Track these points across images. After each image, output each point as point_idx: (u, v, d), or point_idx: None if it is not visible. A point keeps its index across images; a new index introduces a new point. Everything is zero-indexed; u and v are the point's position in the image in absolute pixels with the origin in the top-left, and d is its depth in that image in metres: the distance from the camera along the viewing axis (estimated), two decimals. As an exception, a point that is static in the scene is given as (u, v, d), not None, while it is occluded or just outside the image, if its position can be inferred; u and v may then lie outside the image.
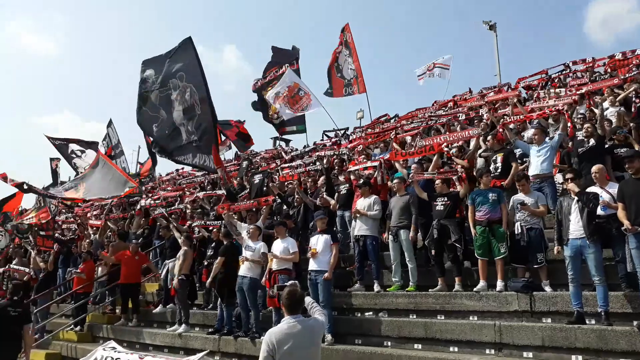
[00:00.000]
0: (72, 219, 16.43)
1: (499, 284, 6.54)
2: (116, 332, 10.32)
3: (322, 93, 19.06)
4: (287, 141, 20.95)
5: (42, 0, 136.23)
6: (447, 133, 9.97)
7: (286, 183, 10.62)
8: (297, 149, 17.49)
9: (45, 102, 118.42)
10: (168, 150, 12.00)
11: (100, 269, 11.86)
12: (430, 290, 7.21)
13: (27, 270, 12.69)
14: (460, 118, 11.16)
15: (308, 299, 4.73)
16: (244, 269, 8.06)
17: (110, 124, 20.90)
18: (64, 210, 17.80)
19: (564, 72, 13.91)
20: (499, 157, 8.07)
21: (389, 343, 6.89)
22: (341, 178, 9.97)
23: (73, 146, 20.17)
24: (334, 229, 8.81)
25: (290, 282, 5.10)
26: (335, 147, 13.97)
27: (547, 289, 6.29)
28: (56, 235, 14.15)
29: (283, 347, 4.05)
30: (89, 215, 16.53)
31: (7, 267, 12.89)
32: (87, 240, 12.90)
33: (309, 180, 10.64)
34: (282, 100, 16.87)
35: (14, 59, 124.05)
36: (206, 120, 10.94)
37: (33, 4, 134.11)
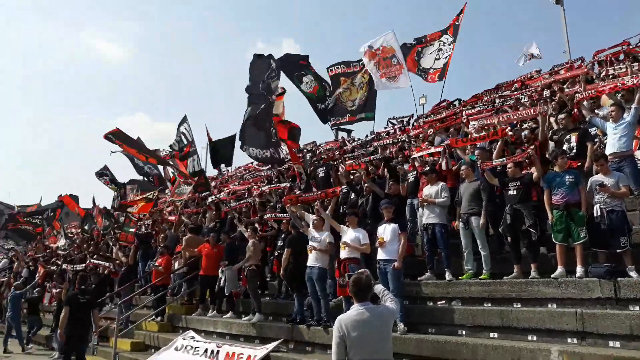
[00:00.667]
0: (147, 215, 17.24)
1: (579, 269, 6.25)
2: (194, 322, 10.75)
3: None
4: (349, 131, 20.89)
5: (115, 9, 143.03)
6: (512, 112, 9.59)
7: (351, 172, 10.58)
8: (359, 139, 17.40)
9: (118, 105, 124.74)
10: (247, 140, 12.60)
11: (177, 262, 12.37)
12: (505, 277, 7.01)
13: (107, 264, 13.46)
14: (523, 100, 10.67)
15: (379, 287, 4.75)
16: (312, 259, 8.17)
17: (184, 120, 21.40)
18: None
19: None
20: (574, 137, 7.67)
21: (463, 332, 6.77)
22: (406, 166, 9.84)
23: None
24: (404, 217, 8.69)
25: (361, 270, 5.10)
26: (399, 133, 13.82)
27: (633, 274, 5.92)
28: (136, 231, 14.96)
29: (352, 334, 4.10)
30: (164, 211, 17.25)
31: (88, 262, 13.72)
32: (162, 235, 13.52)
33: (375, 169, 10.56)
34: (373, 57, 16.74)
35: (90, 65, 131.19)
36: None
37: (107, 13, 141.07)
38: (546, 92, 10.14)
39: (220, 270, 10.43)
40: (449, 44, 17.66)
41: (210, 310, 10.89)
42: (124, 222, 16.04)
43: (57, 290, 13.74)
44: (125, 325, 11.92)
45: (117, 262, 13.93)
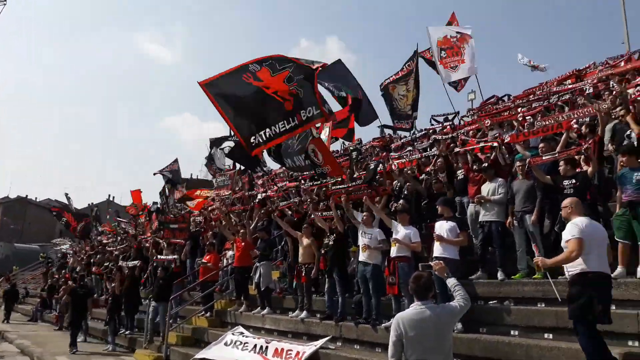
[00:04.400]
0: (197, 213, 17.63)
1: (640, 270, 5.99)
2: (242, 318, 10.90)
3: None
4: (395, 129, 20.65)
5: (165, 12, 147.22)
6: (571, 110, 9.27)
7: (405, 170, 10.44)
8: (406, 136, 17.23)
9: (167, 106, 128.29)
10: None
11: (225, 259, 12.59)
12: (560, 277, 6.78)
13: (174, 257, 13.83)
14: (587, 91, 10.26)
15: (452, 281, 4.60)
16: (364, 257, 8.13)
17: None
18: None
19: None
20: (634, 132, 7.34)
21: (516, 332, 6.59)
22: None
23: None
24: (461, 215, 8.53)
25: (434, 262, 4.98)
26: (449, 130, 13.60)
27: (700, 275, 5.66)
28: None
29: (410, 333, 4.05)
30: (209, 209, 17.59)
31: (156, 257, 14.16)
32: (211, 232, 13.78)
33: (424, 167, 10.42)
34: (445, 44, 16.74)
35: (140, 67, 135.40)
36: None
37: (156, 16, 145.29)
38: (612, 83, 9.71)
39: (255, 266, 10.64)
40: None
41: (243, 306, 11.09)
42: (166, 220, 16.33)
43: (113, 285, 14.24)
44: (174, 320, 12.24)
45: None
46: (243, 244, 11.16)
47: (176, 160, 25.62)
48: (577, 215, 5.16)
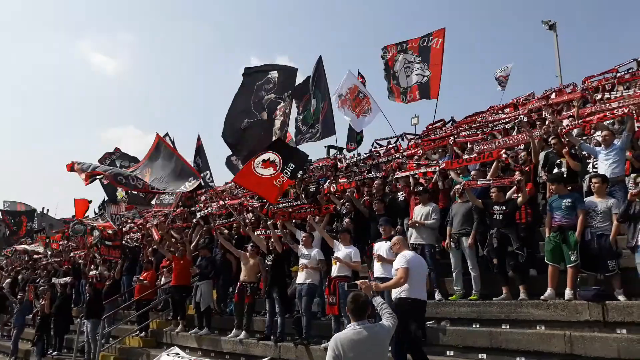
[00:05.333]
0: (135, 229, 17.03)
1: (568, 292, 6.26)
2: (179, 338, 10.56)
3: (380, 98, 18.79)
4: (341, 149, 20.90)
5: (110, 20, 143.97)
6: (506, 137, 9.65)
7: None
8: (353, 156, 17.39)
9: (111, 117, 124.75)
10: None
11: (163, 277, 12.21)
12: (494, 298, 6.99)
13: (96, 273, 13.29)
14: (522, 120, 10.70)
15: (379, 300, 4.60)
16: (302, 277, 8.13)
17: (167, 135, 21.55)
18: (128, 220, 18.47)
19: (633, 69, 13.10)
20: (564, 161, 7.75)
21: (452, 352, 6.72)
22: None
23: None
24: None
25: (360, 280, 4.98)
26: (392, 152, 13.87)
27: (621, 298, 5.97)
28: (122, 243, 14.73)
29: (349, 354, 4.01)
30: (148, 225, 17.03)
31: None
32: (150, 249, 13.33)
33: (366, 188, 10.54)
34: (345, 104, 16.82)
35: (83, 76, 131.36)
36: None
37: (102, 24, 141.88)
38: (545, 114, 10.20)
39: (195, 285, 10.41)
40: (418, 63, 17.78)
41: (179, 326, 10.79)
42: (103, 236, 15.74)
43: (42, 302, 13.51)
44: (106, 340, 11.71)
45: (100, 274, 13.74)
46: (182, 262, 10.86)
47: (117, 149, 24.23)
48: (405, 249, 6.24)
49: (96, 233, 16.91)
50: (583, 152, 8.13)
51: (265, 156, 9.57)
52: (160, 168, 10.83)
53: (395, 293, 6.08)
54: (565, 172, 7.63)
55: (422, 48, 17.67)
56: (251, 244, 9.75)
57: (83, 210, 25.57)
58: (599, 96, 10.67)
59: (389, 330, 4.32)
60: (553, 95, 13.09)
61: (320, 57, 16.70)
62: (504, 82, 20.52)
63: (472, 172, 8.31)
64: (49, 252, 20.67)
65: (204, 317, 10.27)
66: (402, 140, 16.72)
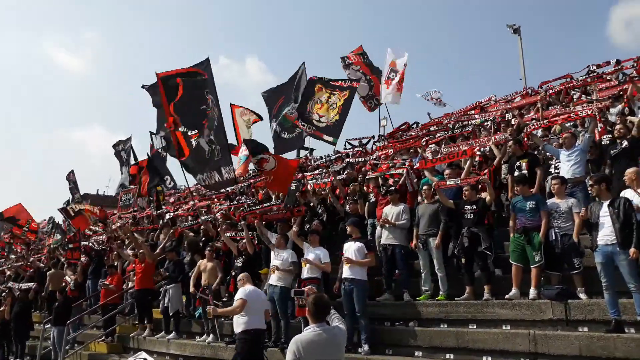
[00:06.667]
0: (101, 232, 16.64)
1: (532, 291, 6.40)
2: (146, 343, 10.37)
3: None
4: (311, 150, 20.89)
5: (73, 17, 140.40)
6: (474, 139, 9.83)
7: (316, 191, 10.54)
8: (321, 157, 17.38)
9: (75, 117, 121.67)
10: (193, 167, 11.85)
11: (131, 282, 11.96)
12: (456, 298, 7.11)
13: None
14: (487, 124, 10.98)
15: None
16: (274, 279, 8.07)
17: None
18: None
19: (589, 74, 13.57)
20: (524, 164, 7.89)
21: (420, 353, 6.79)
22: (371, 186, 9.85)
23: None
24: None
25: (307, 287, 5.00)
26: (364, 153, 13.95)
27: (583, 296, 6.15)
28: (87, 244, 14.36)
29: (310, 356, 4.00)
30: (113, 227, 16.67)
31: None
32: (115, 252, 13.05)
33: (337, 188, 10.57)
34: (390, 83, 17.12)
35: (47, 75, 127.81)
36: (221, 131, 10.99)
37: (65, 21, 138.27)
38: (509, 117, 10.45)
39: (163, 289, 10.29)
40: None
41: (146, 330, 10.61)
42: (67, 239, 15.28)
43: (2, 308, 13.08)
44: (71, 346, 11.43)
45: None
46: (143, 265, 10.65)
47: (71, 172, 22.30)
48: (247, 285, 7.04)
49: (58, 237, 16.43)
50: (547, 153, 8.34)
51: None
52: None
53: (237, 327, 6.79)
54: (526, 174, 7.78)
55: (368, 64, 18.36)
56: (208, 248, 9.71)
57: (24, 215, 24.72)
58: (576, 95, 11.03)
59: (345, 333, 4.36)
60: (518, 98, 13.43)
61: (303, 63, 16.87)
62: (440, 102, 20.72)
63: (446, 172, 8.34)
64: (12, 256, 19.99)
65: (174, 321, 10.13)
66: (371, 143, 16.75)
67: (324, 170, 13.54)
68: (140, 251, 10.89)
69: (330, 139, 17.29)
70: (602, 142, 8.15)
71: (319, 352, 4.04)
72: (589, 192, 6.46)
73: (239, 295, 6.85)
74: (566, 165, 7.48)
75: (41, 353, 11.81)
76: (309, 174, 13.71)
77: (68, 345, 11.08)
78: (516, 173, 7.81)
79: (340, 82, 16.52)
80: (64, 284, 12.80)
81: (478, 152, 8.99)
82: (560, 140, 8.14)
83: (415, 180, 9.13)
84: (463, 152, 8.53)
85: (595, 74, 13.24)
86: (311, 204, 10.27)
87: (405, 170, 9.09)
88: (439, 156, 9.12)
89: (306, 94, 16.92)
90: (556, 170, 7.80)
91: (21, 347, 12.64)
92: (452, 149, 9.11)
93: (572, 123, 9.11)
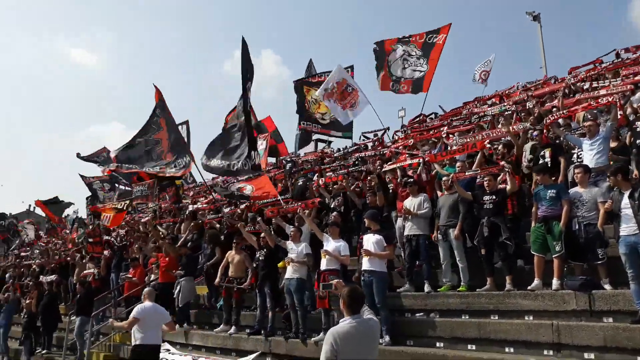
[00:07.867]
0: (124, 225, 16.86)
1: (555, 282, 6.32)
2: (169, 334, 10.48)
3: (369, 90, 18.46)
4: (329, 142, 20.86)
5: (89, 17, 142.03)
6: (492, 129, 9.70)
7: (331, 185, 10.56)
8: (339, 149, 17.38)
9: (93, 113, 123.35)
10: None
11: (153, 275, 12.11)
12: (477, 289, 7.06)
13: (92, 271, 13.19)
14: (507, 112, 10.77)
15: None
16: (290, 271, 8.13)
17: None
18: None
19: (615, 60, 13.19)
20: (547, 152, 7.79)
21: (441, 344, 6.77)
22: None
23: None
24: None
25: (335, 280, 5.00)
26: (379, 147, 13.87)
27: (607, 287, 6.05)
28: (109, 239, 14.58)
29: (347, 348, 4.00)
30: (136, 220, 16.88)
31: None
32: (137, 245, 13.23)
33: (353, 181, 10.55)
34: (332, 97, 16.75)
35: (64, 73, 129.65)
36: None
37: (80, 20, 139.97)
38: (529, 105, 10.25)
39: (177, 282, 10.44)
40: (418, 58, 17.53)
41: None
42: (87, 233, 15.49)
43: (29, 301, 13.39)
44: (96, 337, 11.64)
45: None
46: (167, 259, 10.80)
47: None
48: (147, 301, 7.53)
49: (81, 230, 16.73)
50: (569, 143, 8.19)
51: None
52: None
53: (133, 341, 7.34)
54: (549, 163, 7.67)
55: (426, 44, 17.50)
56: (235, 241, 9.76)
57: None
58: (586, 85, 10.74)
59: (378, 324, 4.37)
60: (539, 87, 13.18)
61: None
62: (486, 77, 20.13)
63: (458, 164, 8.30)
64: (36, 251, 20.41)
65: (183, 313, 10.38)
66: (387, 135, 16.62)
67: (341, 162, 13.53)
68: (165, 245, 11.08)
69: (339, 133, 17.14)
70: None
71: (355, 344, 4.04)
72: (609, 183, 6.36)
73: (133, 313, 7.51)
74: (589, 154, 7.33)
75: (68, 344, 12.04)
76: (327, 166, 13.70)
77: (93, 337, 11.27)
78: (540, 162, 7.71)
79: (317, 77, 16.38)
80: (86, 277, 13.03)
81: (488, 145, 8.89)
82: (584, 130, 7.97)
83: (434, 171, 9.07)
84: (473, 145, 8.44)
85: (627, 59, 12.72)
86: (326, 200, 10.28)
87: (420, 159, 9.03)
88: (449, 149, 9.05)
89: (299, 96, 16.93)
90: (579, 160, 7.66)
91: (48, 338, 12.94)
92: (465, 141, 8.98)
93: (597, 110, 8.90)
